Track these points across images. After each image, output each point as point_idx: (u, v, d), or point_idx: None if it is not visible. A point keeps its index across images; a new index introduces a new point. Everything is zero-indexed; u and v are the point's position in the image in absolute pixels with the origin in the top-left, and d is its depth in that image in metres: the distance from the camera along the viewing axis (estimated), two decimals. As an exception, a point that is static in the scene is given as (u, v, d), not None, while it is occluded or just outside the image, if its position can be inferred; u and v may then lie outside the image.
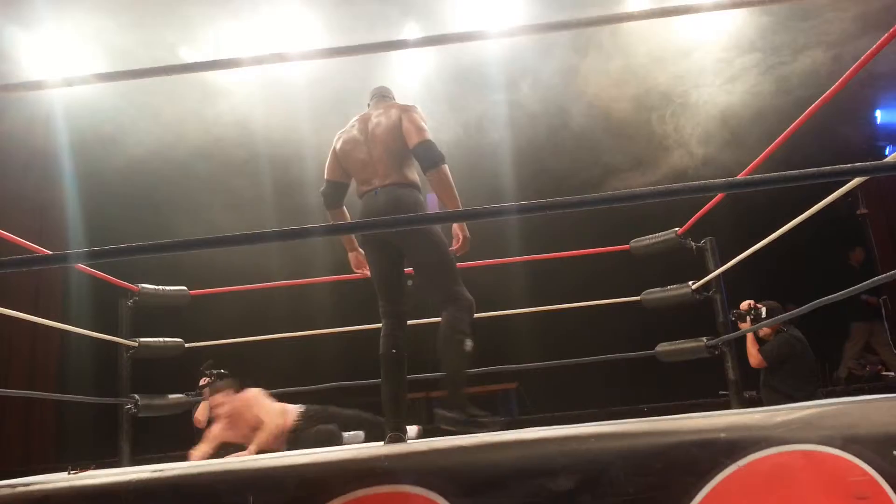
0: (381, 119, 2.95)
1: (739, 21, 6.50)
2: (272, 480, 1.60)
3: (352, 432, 3.99)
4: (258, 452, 3.88)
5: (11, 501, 1.57)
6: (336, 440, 3.87)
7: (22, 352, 6.72)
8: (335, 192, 3.04)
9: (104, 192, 7.05)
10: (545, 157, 7.20)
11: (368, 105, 3.11)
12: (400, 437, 2.69)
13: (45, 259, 2.73)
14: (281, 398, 4.31)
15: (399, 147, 2.88)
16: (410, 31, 6.44)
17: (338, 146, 3.02)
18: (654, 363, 4.52)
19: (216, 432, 4.14)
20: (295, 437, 4.04)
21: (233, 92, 6.57)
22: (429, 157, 2.83)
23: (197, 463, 2.78)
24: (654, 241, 4.36)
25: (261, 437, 3.99)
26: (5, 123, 6.23)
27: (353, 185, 3.05)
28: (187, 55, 6.29)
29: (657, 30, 6.42)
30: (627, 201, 2.06)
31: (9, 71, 5.85)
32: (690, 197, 3.79)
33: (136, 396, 4.07)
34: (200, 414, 4.44)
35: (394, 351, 2.80)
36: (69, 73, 5.80)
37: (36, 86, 2.92)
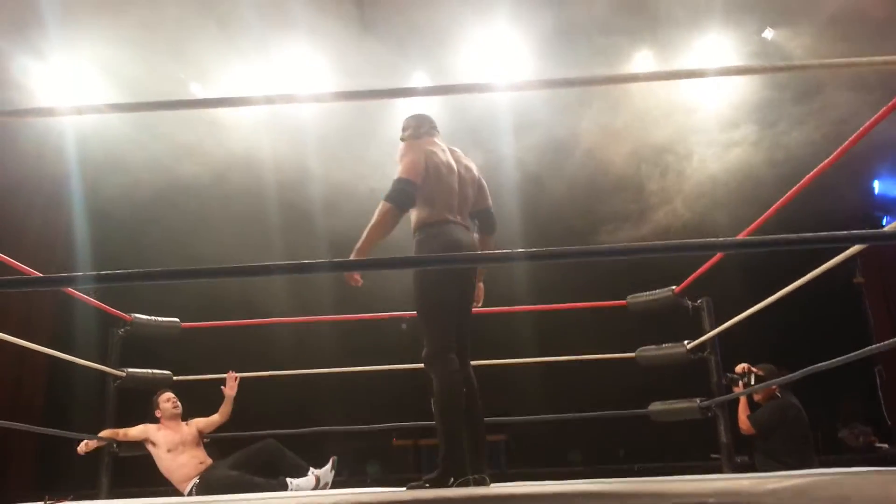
0: (469, 165, 3.09)
1: (741, 89, 6.63)
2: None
3: (302, 478, 3.91)
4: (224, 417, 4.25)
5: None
6: (245, 487, 3.78)
7: (7, 376, 6.64)
8: (416, 196, 2.87)
9: (111, 218, 7.07)
10: (539, 208, 7.24)
11: (433, 130, 3.10)
12: (485, 480, 2.68)
13: (36, 281, 2.72)
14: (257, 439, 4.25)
15: (475, 200, 3.06)
16: (418, 79, 6.55)
17: (430, 159, 2.91)
18: (647, 420, 4.47)
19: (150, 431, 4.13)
20: (207, 482, 3.98)
21: (241, 123, 6.64)
22: (493, 224, 3.13)
23: (171, 500, 2.73)
24: (650, 297, 4.36)
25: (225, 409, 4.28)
26: (17, 149, 6.28)
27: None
28: (198, 90, 6.39)
29: (658, 90, 6.54)
30: (622, 255, 2.07)
31: (21, 99, 5.92)
32: (689, 255, 3.83)
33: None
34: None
35: (465, 389, 2.77)
36: (80, 102, 5.89)
37: (48, 112, 2.96)
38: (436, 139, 3.06)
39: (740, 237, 3.22)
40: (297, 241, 7.21)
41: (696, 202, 7.20)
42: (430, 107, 6.45)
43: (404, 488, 2.62)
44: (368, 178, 6.10)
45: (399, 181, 2.83)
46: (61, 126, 6.35)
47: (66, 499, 3.95)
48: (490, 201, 3.13)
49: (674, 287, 4.27)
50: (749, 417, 4.41)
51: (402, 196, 2.80)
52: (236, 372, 4.38)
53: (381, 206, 2.80)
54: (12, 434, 6.27)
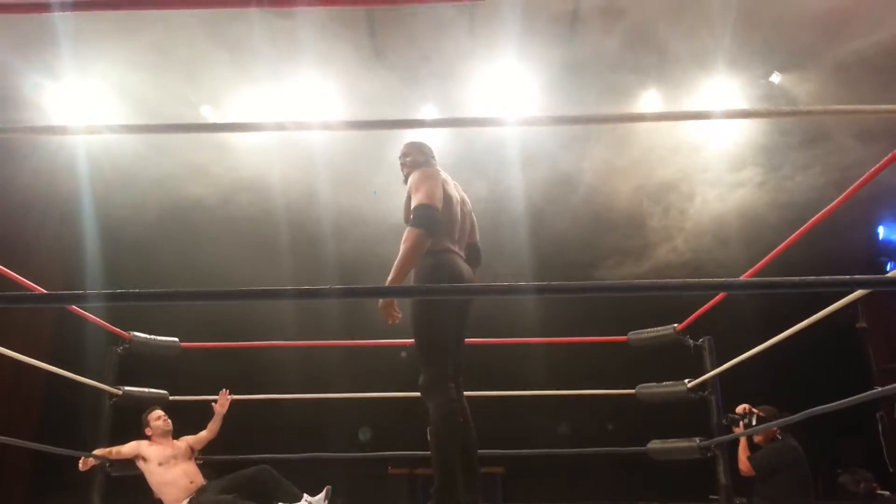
0: (464, 199, 3.15)
1: (747, 131, 6.69)
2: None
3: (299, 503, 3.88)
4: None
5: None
6: None
7: (3, 391, 6.63)
8: (441, 221, 2.87)
9: (120, 236, 7.11)
10: (542, 241, 7.26)
11: (433, 160, 3.15)
12: None
13: (39, 298, 2.74)
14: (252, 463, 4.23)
15: (469, 233, 3.13)
16: (427, 111, 6.62)
17: (443, 187, 2.95)
18: (644, 458, 4.43)
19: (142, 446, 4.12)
20: (198, 501, 3.95)
21: (251, 146, 6.70)
22: (480, 259, 3.21)
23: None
24: (651, 335, 4.35)
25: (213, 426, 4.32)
26: (30, 166, 6.35)
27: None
28: (209, 114, 6.46)
29: (664, 128, 6.60)
30: (626, 292, 2.08)
31: (36, 118, 6.01)
32: (691, 294, 3.83)
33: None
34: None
35: (461, 420, 2.76)
36: (93, 122, 5.96)
37: (62, 130, 3.00)
38: (436, 168, 3.09)
39: (744, 278, 3.23)
40: (305, 264, 7.23)
41: (698, 241, 7.23)
42: (437, 137, 6.54)
43: None
44: (376, 203, 6.13)
45: (425, 207, 2.82)
46: (73, 145, 6.42)
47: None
48: (478, 237, 3.21)
49: (675, 325, 4.26)
50: (749, 459, 4.38)
51: (429, 221, 2.80)
52: (232, 393, 4.37)
53: (410, 234, 2.78)
54: (5, 449, 6.24)
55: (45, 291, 2.89)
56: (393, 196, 4.30)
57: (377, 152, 6.52)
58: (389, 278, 2.75)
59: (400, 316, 2.88)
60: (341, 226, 6.76)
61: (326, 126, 5.92)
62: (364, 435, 6.63)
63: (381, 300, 2.82)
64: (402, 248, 2.78)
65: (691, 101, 6.41)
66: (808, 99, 6.24)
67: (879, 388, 2.82)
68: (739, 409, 4.42)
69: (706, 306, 4.07)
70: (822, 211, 2.90)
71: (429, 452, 2.72)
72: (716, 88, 6.38)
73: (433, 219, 2.79)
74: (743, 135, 6.75)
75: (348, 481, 6.53)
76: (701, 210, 7.13)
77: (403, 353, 6.24)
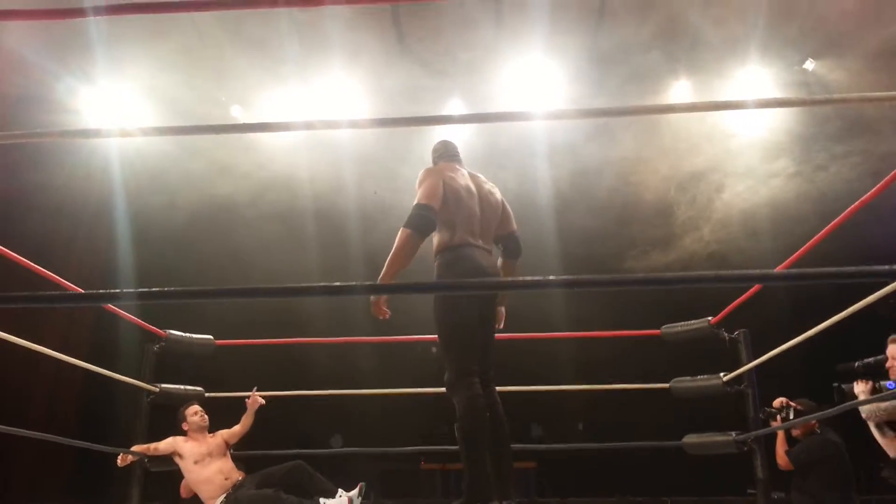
0: (492, 190, 3.11)
1: (780, 120, 6.56)
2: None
3: (334, 499, 3.89)
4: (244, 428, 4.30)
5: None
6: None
7: (44, 388, 6.79)
8: (435, 220, 2.89)
9: (151, 237, 7.23)
10: (577, 236, 7.21)
11: (454, 156, 3.15)
12: None
13: (76, 297, 2.79)
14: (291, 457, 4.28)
15: (499, 225, 3.09)
16: (454, 105, 6.61)
17: (448, 183, 2.93)
18: (679, 452, 4.38)
19: (178, 443, 4.17)
20: (235, 500, 3.99)
21: (279, 143, 6.75)
22: (519, 249, 3.16)
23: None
24: (685, 328, 4.28)
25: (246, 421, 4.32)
26: (66, 169, 6.48)
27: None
28: (239, 113, 6.54)
29: (695, 118, 6.49)
30: (658, 285, 2.05)
31: (71, 121, 6.14)
32: (726, 287, 3.77)
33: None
34: (185, 489, 4.41)
35: (489, 414, 2.76)
36: (126, 124, 6.07)
37: (95, 134, 3.06)
38: (456, 164, 3.09)
39: (780, 269, 3.17)
40: (334, 261, 7.28)
41: (726, 232, 7.12)
42: (463, 130, 6.55)
43: None
44: (405, 195, 6.14)
45: (417, 206, 2.85)
46: (107, 146, 6.54)
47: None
48: (515, 226, 3.16)
49: (710, 318, 4.20)
50: (787, 453, 4.29)
51: (421, 221, 2.81)
52: (265, 389, 4.43)
53: (401, 233, 2.81)
54: (47, 447, 6.38)
55: (83, 291, 2.95)
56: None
57: (404, 146, 6.53)
58: (380, 277, 2.78)
59: (389, 313, 2.89)
60: (370, 220, 6.78)
61: (354, 124, 5.93)
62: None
63: (371, 297, 2.83)
64: (393, 247, 2.80)
65: (723, 90, 6.30)
66: (843, 86, 6.09)
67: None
68: (776, 402, 4.33)
69: (742, 298, 4.00)
70: (861, 199, 2.83)
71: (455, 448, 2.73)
72: (748, 76, 6.27)
73: (423, 218, 2.82)
74: (776, 124, 6.62)
75: (381, 477, 6.58)
76: (729, 201, 7.02)
77: (434, 349, 6.25)
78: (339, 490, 3.96)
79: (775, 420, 4.21)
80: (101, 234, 7.32)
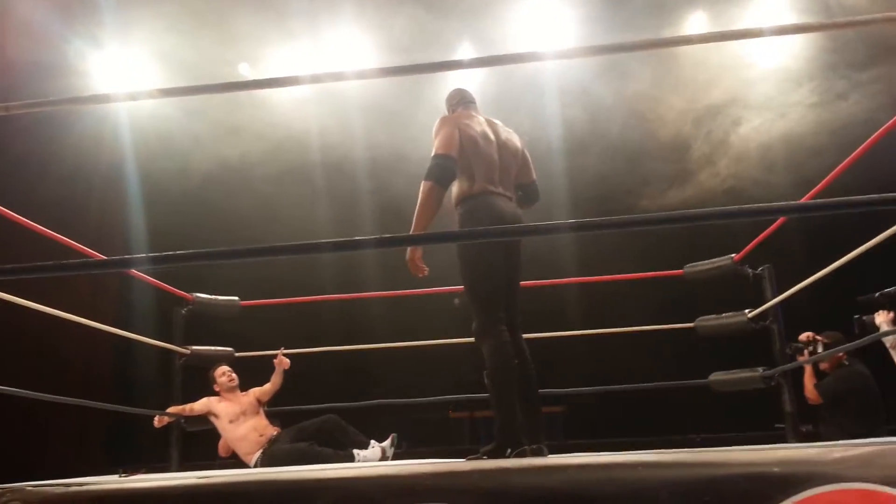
0: (510, 137, 3.04)
1: (798, 49, 6.36)
2: (315, 493, 1.61)
3: (367, 450, 3.97)
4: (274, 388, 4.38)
5: (65, 500, 1.61)
6: (312, 459, 3.84)
7: (78, 356, 6.93)
8: (456, 170, 2.86)
9: (165, 201, 7.26)
10: (592, 176, 7.13)
11: (469, 103, 3.09)
12: (542, 451, 2.67)
13: (104, 264, 2.82)
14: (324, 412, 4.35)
15: (519, 172, 3.04)
16: (464, 50, 6.49)
17: (464, 131, 2.88)
18: (706, 392, 4.40)
19: (212, 403, 4.28)
20: (272, 454, 4.07)
21: (290, 99, 6.70)
22: (537, 196, 3.14)
23: (240, 472, 2.82)
24: (708, 267, 4.25)
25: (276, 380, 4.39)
26: (75, 135, 6.49)
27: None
28: (247, 72, 6.48)
29: (710, 49, 6.32)
30: (683, 222, 2.02)
31: (81, 85, 6.12)
32: (749, 221, 3.72)
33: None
34: (223, 447, 4.51)
35: (517, 361, 2.77)
36: (135, 88, 6.05)
37: (104, 99, 3.05)
38: (472, 111, 3.04)
39: (803, 201, 3.12)
40: (352, 214, 7.29)
41: (745, 166, 7.00)
42: (475, 75, 6.44)
43: (463, 460, 2.64)
44: (418, 144, 6.09)
45: (436, 157, 2.82)
46: (116, 110, 6.53)
47: (139, 471, 4.12)
48: (534, 174, 3.12)
49: (733, 255, 4.16)
50: (816, 386, 4.29)
51: (441, 172, 2.79)
52: (294, 346, 4.50)
53: (422, 187, 2.79)
54: (86, 411, 6.56)
55: (106, 258, 2.98)
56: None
57: (417, 89, 6.44)
58: (411, 233, 2.76)
59: (427, 269, 2.88)
60: (387, 170, 6.74)
61: (362, 75, 5.82)
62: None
63: (407, 254, 2.83)
64: (417, 202, 2.79)
65: (741, 18, 6.11)
66: (863, 9, 5.87)
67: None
68: (803, 336, 4.31)
69: (766, 232, 3.95)
70: (884, 126, 2.75)
71: (487, 395, 2.76)
72: (766, 2, 6.06)
73: (444, 168, 2.80)
74: (795, 52, 6.42)
75: (412, 427, 6.70)
76: (746, 135, 6.88)
77: (456, 301, 6.27)
78: (372, 441, 4.04)
79: (802, 355, 4.20)
80: (116, 199, 7.35)
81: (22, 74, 5.74)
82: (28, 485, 1.67)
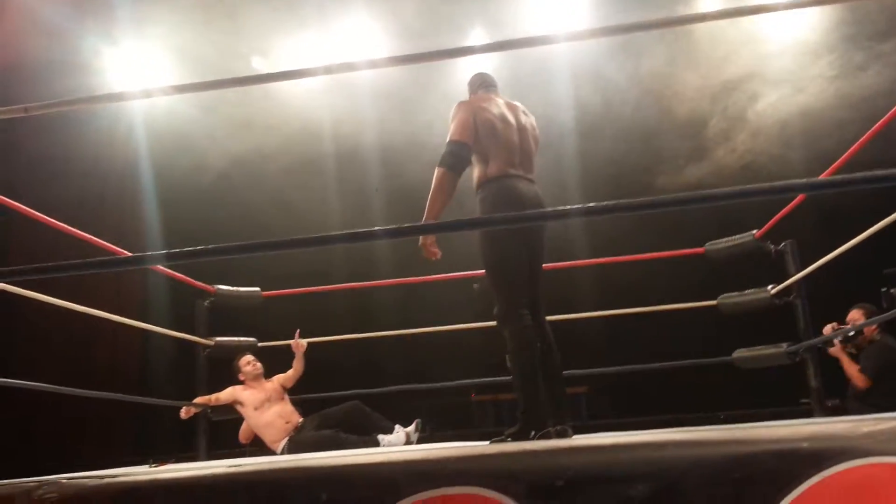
0: (529, 119, 3.05)
1: (816, 21, 6.24)
2: (344, 479, 1.62)
3: (392, 435, 4.00)
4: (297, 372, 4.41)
5: (98, 491, 1.64)
6: (338, 445, 3.87)
7: (104, 350, 7.03)
8: (469, 156, 2.88)
9: (180, 196, 7.30)
10: (607, 159, 7.08)
11: (489, 87, 3.08)
12: (567, 432, 2.68)
13: (128, 261, 2.86)
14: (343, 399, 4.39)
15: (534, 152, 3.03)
16: (476, 36, 6.44)
17: (479, 115, 2.87)
18: (728, 369, 4.38)
19: (237, 392, 4.32)
20: (297, 442, 4.11)
21: (303, 90, 6.69)
22: None
23: (270, 459, 2.85)
24: (730, 244, 4.22)
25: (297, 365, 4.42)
26: (91, 133, 6.54)
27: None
28: (259, 64, 6.48)
29: (726, 24, 6.22)
30: (701, 202, 2.00)
31: (96, 82, 6.15)
32: (769, 198, 3.69)
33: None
34: (245, 432, 4.56)
35: (540, 344, 2.78)
36: (150, 84, 6.08)
37: (119, 97, 3.06)
38: (491, 94, 3.02)
39: (822, 177, 3.08)
40: (367, 203, 7.29)
41: (762, 142, 6.91)
42: (489, 59, 6.39)
43: (487, 442, 2.65)
44: (434, 129, 6.07)
45: (449, 143, 2.83)
46: (131, 107, 6.57)
47: (168, 461, 4.19)
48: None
49: (754, 231, 4.13)
50: (861, 371, 4.17)
51: (453, 158, 2.80)
52: (316, 335, 4.55)
53: (436, 173, 2.80)
54: (115, 404, 6.66)
55: (131, 254, 3.01)
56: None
57: (429, 80, 6.41)
58: (423, 219, 2.77)
59: (440, 253, 2.88)
60: (402, 156, 6.74)
61: (373, 65, 5.81)
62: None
63: (420, 238, 2.84)
64: (431, 188, 2.80)
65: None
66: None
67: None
68: (827, 329, 4.20)
69: (785, 210, 3.92)
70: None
71: (510, 378, 2.77)
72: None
73: (456, 155, 2.81)
74: (814, 24, 6.30)
75: (435, 411, 6.74)
76: (763, 111, 6.78)
77: (476, 285, 6.25)
78: (397, 426, 4.07)
79: (833, 346, 4.13)
80: (133, 195, 7.40)
81: (38, 73, 5.80)
82: (63, 477, 1.71)
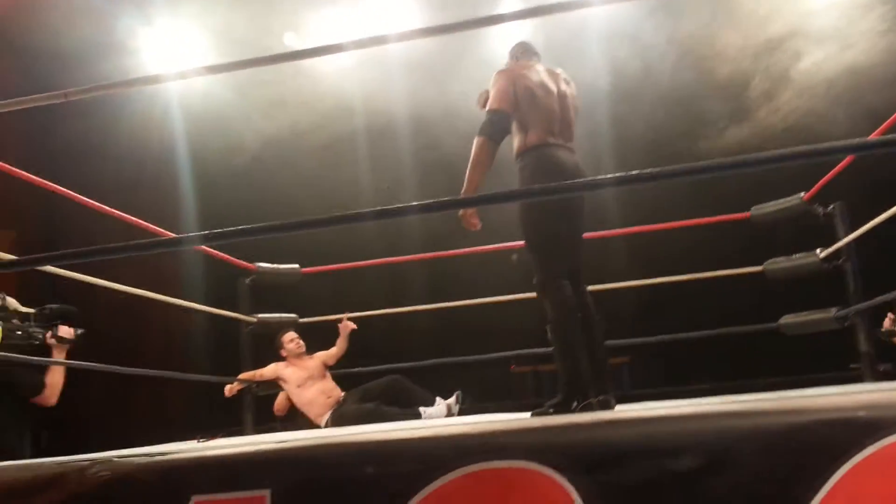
0: (571, 87, 3.01)
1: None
2: (390, 453, 1.62)
3: (432, 407, 4.02)
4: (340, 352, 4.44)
5: (150, 468, 1.66)
6: (379, 418, 3.90)
7: (153, 328, 7.20)
8: (509, 125, 2.87)
9: (216, 176, 7.36)
10: (646, 124, 6.93)
11: (530, 54, 3.04)
12: (609, 402, 2.68)
13: (173, 242, 2.89)
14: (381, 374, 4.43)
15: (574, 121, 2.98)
16: (510, 1, 6.31)
17: (519, 82, 2.84)
18: (771, 335, 4.28)
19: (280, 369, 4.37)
20: (340, 415, 4.15)
21: (336, 66, 6.66)
22: None
23: (317, 434, 2.90)
24: (777, 207, 4.11)
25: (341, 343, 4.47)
26: (126, 115, 6.61)
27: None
28: (292, 41, 6.46)
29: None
30: (746, 167, 1.94)
31: (132, 64, 6.21)
32: (817, 161, 3.57)
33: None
34: (279, 405, 4.61)
35: (581, 314, 2.77)
36: (184, 64, 6.12)
37: (154, 80, 3.08)
38: (531, 62, 2.97)
39: (872, 137, 2.96)
40: (397, 177, 7.27)
41: (809, 101, 6.68)
42: (524, 25, 6.27)
43: (529, 414, 2.64)
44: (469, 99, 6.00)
45: (488, 112, 2.82)
46: (166, 87, 6.62)
47: (216, 436, 4.28)
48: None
49: (802, 194, 4.01)
50: None
51: (492, 127, 2.79)
52: (356, 310, 4.58)
53: (475, 142, 2.79)
54: (160, 381, 6.84)
55: (175, 235, 3.05)
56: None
57: (462, 48, 6.32)
58: (463, 189, 2.76)
59: (480, 224, 2.87)
60: (436, 130, 6.69)
61: (404, 37, 5.75)
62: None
63: (459, 209, 2.80)
64: (470, 158, 2.78)
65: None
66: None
67: None
68: (886, 323, 4.05)
69: (833, 171, 3.80)
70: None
71: (551, 349, 2.75)
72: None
73: (495, 124, 2.80)
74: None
75: (474, 383, 6.75)
76: (808, 69, 6.54)
77: (514, 256, 6.21)
78: (437, 398, 4.10)
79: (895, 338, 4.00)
80: (170, 176, 7.49)
81: (74, 56, 5.87)
82: (114, 454, 1.74)
